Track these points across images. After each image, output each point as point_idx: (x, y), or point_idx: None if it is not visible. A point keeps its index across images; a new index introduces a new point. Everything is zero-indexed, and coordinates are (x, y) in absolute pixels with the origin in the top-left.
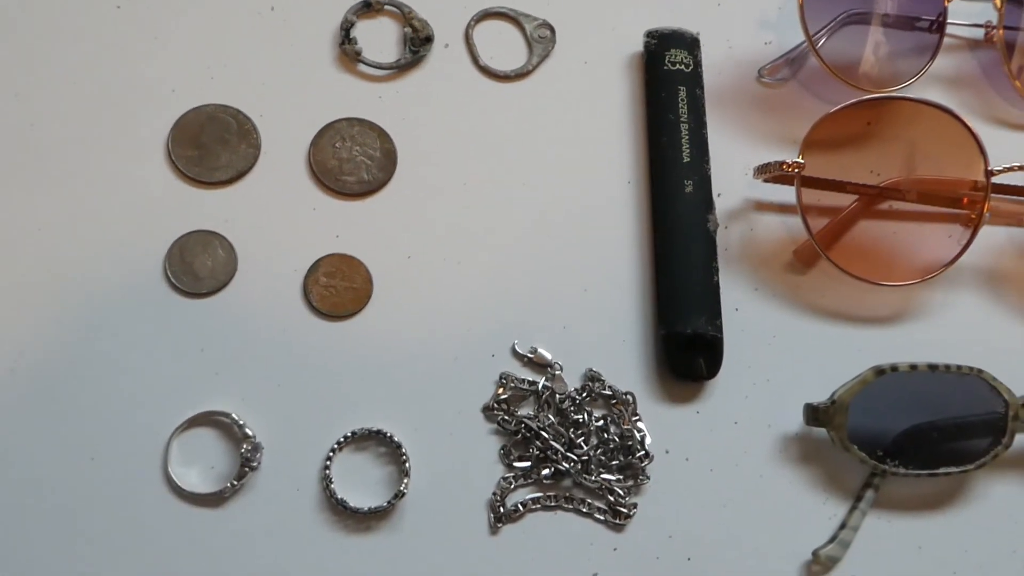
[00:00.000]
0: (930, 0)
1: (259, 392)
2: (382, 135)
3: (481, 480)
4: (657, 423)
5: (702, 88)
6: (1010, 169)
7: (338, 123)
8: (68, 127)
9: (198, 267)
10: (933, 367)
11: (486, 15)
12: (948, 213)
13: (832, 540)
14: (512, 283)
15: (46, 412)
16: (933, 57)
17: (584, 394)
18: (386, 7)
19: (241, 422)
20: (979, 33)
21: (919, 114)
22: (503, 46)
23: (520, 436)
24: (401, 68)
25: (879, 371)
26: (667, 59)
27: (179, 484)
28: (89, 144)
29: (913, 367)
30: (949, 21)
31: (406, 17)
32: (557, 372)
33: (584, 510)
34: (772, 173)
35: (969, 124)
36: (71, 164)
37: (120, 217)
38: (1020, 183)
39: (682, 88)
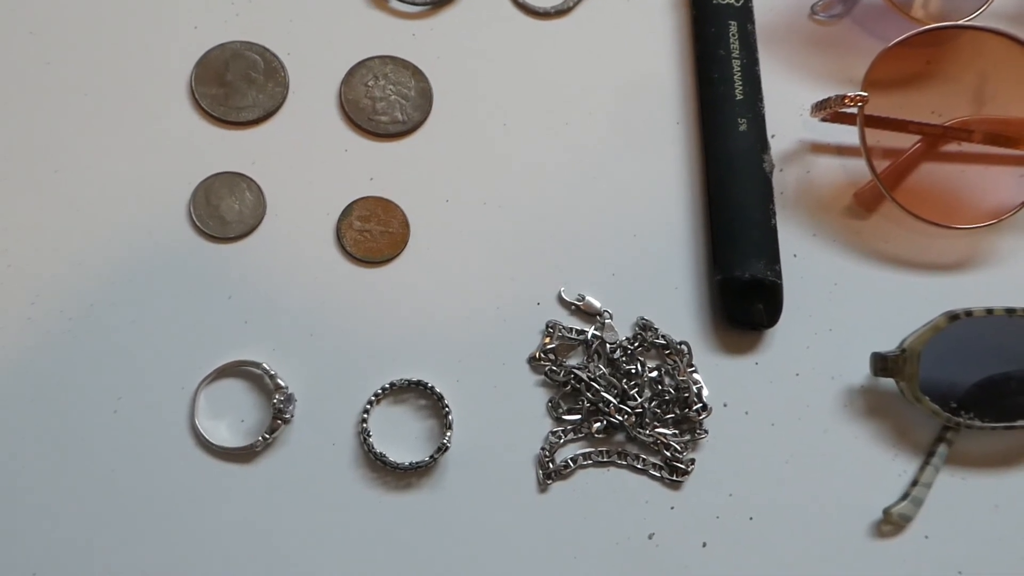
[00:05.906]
0: None
1: (291, 341)
2: (416, 73)
3: (528, 434)
4: (714, 375)
5: (753, 23)
6: None
7: (370, 61)
8: (85, 64)
9: (225, 210)
10: (1011, 311)
11: None
12: (1017, 155)
13: (904, 498)
14: (557, 228)
15: (64, 363)
16: None
17: (636, 343)
18: None
19: (272, 372)
20: None
21: (984, 48)
22: None
23: (569, 388)
24: (435, 4)
25: (952, 316)
26: None
27: (207, 438)
28: (107, 82)
29: (989, 311)
30: None
31: None
32: (607, 320)
33: (639, 466)
34: (832, 109)
35: None
36: (88, 103)
37: (142, 158)
38: None
39: (732, 23)
